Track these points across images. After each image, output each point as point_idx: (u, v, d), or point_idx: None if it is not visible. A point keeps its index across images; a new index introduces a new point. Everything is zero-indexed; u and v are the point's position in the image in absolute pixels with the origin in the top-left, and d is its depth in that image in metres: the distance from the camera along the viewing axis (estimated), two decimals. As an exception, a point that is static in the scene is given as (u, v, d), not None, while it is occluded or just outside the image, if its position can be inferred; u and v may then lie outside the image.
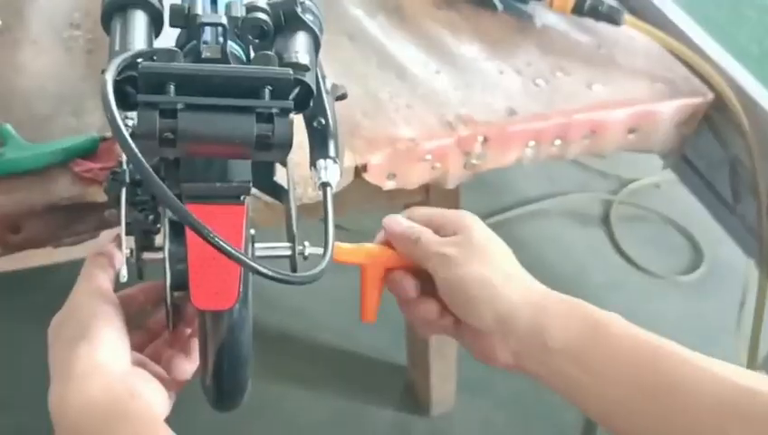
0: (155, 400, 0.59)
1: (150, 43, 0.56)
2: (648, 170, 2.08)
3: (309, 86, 0.53)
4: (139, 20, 0.56)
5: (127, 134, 0.47)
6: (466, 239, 0.66)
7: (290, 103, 0.50)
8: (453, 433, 1.63)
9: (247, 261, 0.49)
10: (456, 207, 1.41)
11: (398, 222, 0.69)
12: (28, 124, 0.82)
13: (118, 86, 0.50)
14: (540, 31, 1.04)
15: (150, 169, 0.47)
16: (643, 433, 0.60)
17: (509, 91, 0.95)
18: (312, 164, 0.60)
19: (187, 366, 0.64)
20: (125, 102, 0.51)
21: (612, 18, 1.01)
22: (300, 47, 0.56)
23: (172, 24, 0.55)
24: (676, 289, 1.88)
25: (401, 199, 1.21)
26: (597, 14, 1.02)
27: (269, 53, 0.53)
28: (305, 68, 0.54)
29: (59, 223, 0.78)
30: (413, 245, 0.67)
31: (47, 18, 0.94)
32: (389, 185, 0.89)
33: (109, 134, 0.82)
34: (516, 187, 2.06)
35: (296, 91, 0.53)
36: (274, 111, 0.50)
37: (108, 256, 0.64)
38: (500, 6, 1.04)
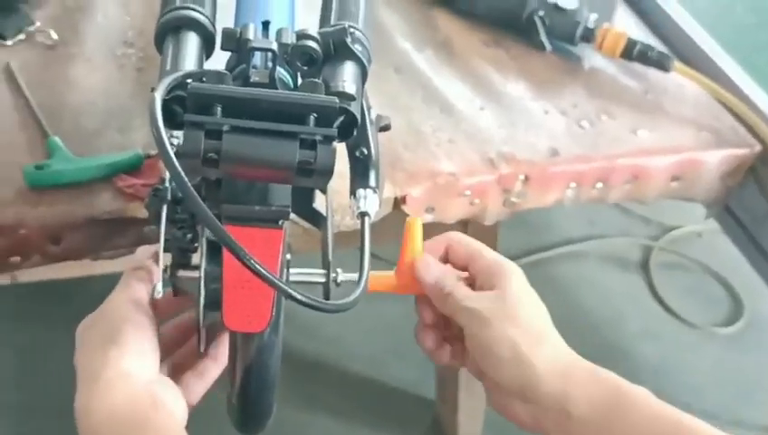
0: (176, 408, 0.59)
1: (201, 64, 0.56)
2: (691, 218, 2.05)
3: (353, 115, 0.54)
4: (192, 42, 0.57)
5: (171, 151, 0.47)
6: (500, 295, 0.64)
7: (333, 131, 0.51)
8: (477, 472, 1.61)
9: (281, 285, 0.49)
10: (494, 244, 1.41)
11: (430, 270, 0.67)
12: (76, 138, 0.83)
13: (166, 105, 0.51)
14: (587, 73, 1.04)
15: (191, 188, 0.47)
16: None
17: (553, 131, 0.94)
18: (352, 193, 0.60)
19: (200, 387, 0.64)
20: (172, 121, 0.52)
21: (662, 64, 1.01)
22: (347, 76, 0.56)
23: (223, 48, 0.56)
24: (714, 341, 1.84)
25: (438, 233, 1.21)
26: (646, 59, 1.01)
27: (316, 80, 0.53)
28: (351, 97, 0.54)
29: (99, 236, 0.79)
30: (443, 299, 0.66)
31: (102, 35, 0.96)
32: (427, 218, 0.89)
33: (153, 151, 0.83)
34: (556, 227, 2.04)
35: (341, 119, 0.53)
36: (318, 138, 0.50)
37: (146, 271, 0.64)
38: (548, 47, 1.04)
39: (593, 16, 1.03)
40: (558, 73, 1.03)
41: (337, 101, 0.52)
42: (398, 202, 0.87)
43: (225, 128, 0.50)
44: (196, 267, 0.64)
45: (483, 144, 0.92)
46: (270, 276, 0.48)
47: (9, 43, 0.92)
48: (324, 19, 0.61)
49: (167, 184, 0.64)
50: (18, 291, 1.69)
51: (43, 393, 1.55)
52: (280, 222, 0.56)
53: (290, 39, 0.56)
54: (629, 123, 0.97)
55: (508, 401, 0.64)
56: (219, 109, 0.50)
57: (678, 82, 1.03)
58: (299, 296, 0.49)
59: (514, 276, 0.66)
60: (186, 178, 0.47)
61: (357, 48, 0.58)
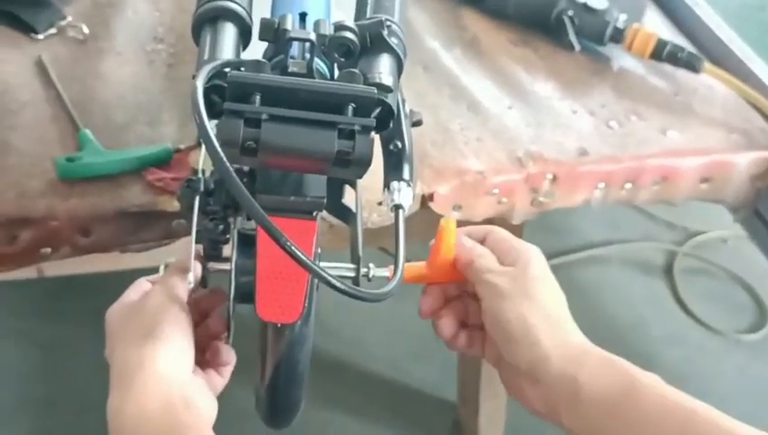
0: (207, 409, 0.59)
1: (238, 54, 0.57)
2: (716, 224, 2.04)
3: (390, 107, 0.54)
4: (229, 32, 0.58)
5: (214, 137, 0.47)
6: (521, 273, 0.65)
7: (372, 121, 0.51)
8: (498, 475, 1.60)
9: (321, 272, 0.49)
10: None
11: (464, 239, 0.68)
12: (105, 131, 0.84)
13: (204, 94, 0.51)
14: (616, 73, 1.03)
15: (234, 174, 0.47)
16: None
17: (581, 131, 0.94)
18: (386, 186, 0.60)
19: (218, 382, 0.64)
20: (210, 110, 0.52)
21: (692, 65, 1.00)
22: (383, 68, 0.56)
23: (261, 38, 0.56)
24: (737, 348, 1.83)
25: (463, 233, 1.20)
26: (676, 60, 1.01)
27: (354, 70, 0.54)
28: (388, 89, 0.54)
29: (128, 229, 0.79)
30: (467, 265, 0.66)
31: (133, 31, 0.97)
32: (455, 216, 0.89)
33: (182, 146, 0.83)
34: (580, 230, 2.03)
35: (377, 110, 0.53)
36: (356, 128, 0.50)
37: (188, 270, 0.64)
38: (577, 47, 1.04)
39: (623, 17, 1.03)
40: (586, 73, 1.03)
41: (375, 91, 0.52)
42: (426, 199, 0.86)
43: (264, 116, 0.50)
44: (227, 259, 0.64)
45: (510, 143, 0.91)
46: (310, 263, 0.48)
47: (41, 36, 0.93)
48: (360, 12, 0.61)
49: (200, 175, 0.64)
50: (42, 287, 1.71)
51: (67, 389, 1.57)
52: (314, 213, 0.56)
53: (327, 30, 0.56)
54: (659, 124, 0.96)
55: (521, 384, 0.64)
56: (258, 97, 0.50)
57: (708, 83, 1.02)
58: (338, 284, 0.49)
59: (537, 259, 0.66)
60: (228, 164, 0.47)
61: (393, 41, 0.58)
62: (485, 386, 1.53)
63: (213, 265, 0.65)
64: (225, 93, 0.52)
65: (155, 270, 0.67)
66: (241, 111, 0.50)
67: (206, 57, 0.56)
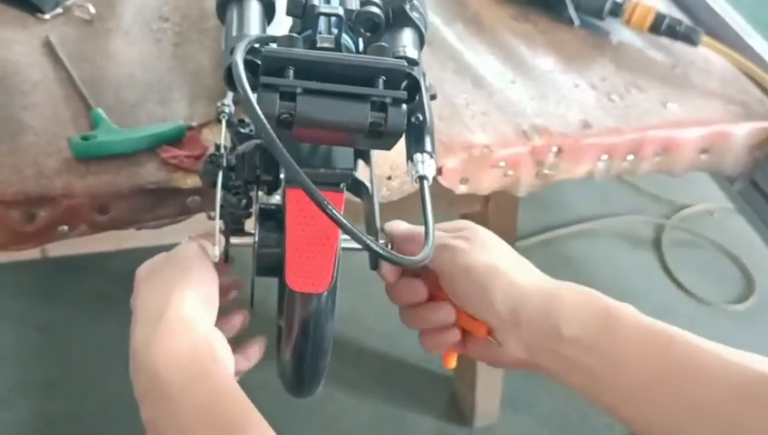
0: (227, 359, 0.60)
1: (264, 30, 0.58)
2: (702, 197, 2.07)
3: (417, 80, 0.55)
4: (254, 8, 0.58)
5: (259, 110, 0.49)
6: (472, 234, 0.67)
7: (404, 94, 0.52)
8: (494, 447, 1.63)
9: (363, 238, 0.50)
10: (514, 219, 1.43)
11: (400, 224, 0.70)
12: (117, 110, 0.84)
13: (232, 69, 0.52)
14: (615, 47, 1.05)
15: (280, 144, 0.49)
16: (655, 422, 0.59)
17: (584, 104, 0.96)
18: (410, 157, 0.61)
19: (242, 365, 0.66)
20: (236, 85, 0.53)
21: (690, 38, 1.02)
22: (407, 42, 0.57)
23: (289, 13, 0.57)
24: (727, 317, 1.86)
25: (460, 208, 1.22)
26: (674, 33, 1.02)
27: (384, 44, 0.55)
28: (414, 62, 0.56)
29: (144, 206, 0.80)
30: (418, 242, 0.67)
31: (138, 10, 0.97)
32: (462, 189, 0.90)
33: (194, 123, 0.84)
34: (569, 204, 2.06)
35: (404, 83, 0.55)
36: (388, 100, 0.52)
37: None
38: (576, 21, 1.05)
39: (622, -9, 1.04)
40: (586, 47, 1.04)
41: (406, 64, 0.53)
42: (439, 172, 0.88)
43: (299, 90, 0.51)
44: (248, 234, 0.66)
45: (515, 116, 0.93)
46: (353, 228, 0.50)
47: (47, 17, 0.93)
48: None
49: (222, 151, 0.65)
50: (39, 269, 1.71)
51: (66, 371, 1.57)
52: (341, 185, 0.58)
53: (354, 5, 0.57)
54: (659, 96, 0.98)
55: (504, 339, 0.64)
56: (292, 71, 0.51)
57: (705, 55, 1.04)
58: (378, 248, 0.50)
59: (478, 226, 0.69)
60: (274, 134, 0.48)
61: (415, 15, 0.59)
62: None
63: (234, 240, 0.66)
64: (258, 68, 0.53)
65: (158, 249, 0.67)
66: (276, 84, 0.51)
67: (234, 34, 0.57)
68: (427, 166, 0.60)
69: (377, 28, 0.57)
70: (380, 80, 0.52)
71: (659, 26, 1.03)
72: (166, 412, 0.56)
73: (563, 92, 0.97)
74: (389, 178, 0.86)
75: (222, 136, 0.67)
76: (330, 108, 0.52)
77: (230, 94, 0.79)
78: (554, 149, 0.91)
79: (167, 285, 0.60)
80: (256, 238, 0.63)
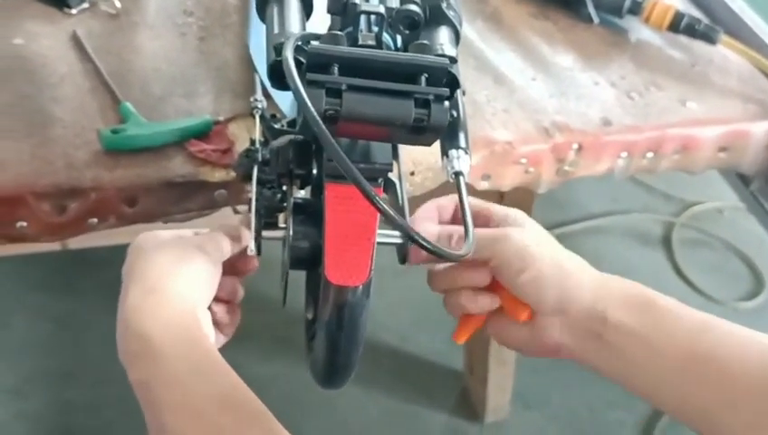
0: (212, 338, 0.63)
1: (304, 27, 0.59)
2: (712, 195, 2.08)
3: (456, 77, 0.56)
4: (293, 5, 0.59)
5: (312, 108, 0.50)
6: (523, 220, 0.69)
7: (446, 91, 0.53)
8: (505, 442, 1.64)
9: (411, 232, 0.51)
10: (529, 213, 1.44)
11: (428, 227, 0.70)
12: (144, 103, 0.85)
13: (276, 66, 0.53)
14: (634, 45, 1.05)
15: (332, 138, 0.50)
16: (692, 405, 0.61)
17: (604, 102, 0.96)
18: (444, 154, 0.62)
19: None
20: (279, 82, 0.54)
21: (709, 37, 1.03)
22: (444, 40, 0.58)
23: (330, 11, 0.58)
24: (735, 315, 1.87)
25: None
26: (693, 32, 1.03)
27: (425, 42, 0.56)
28: (454, 60, 0.57)
29: (171, 199, 0.81)
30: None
31: (162, 5, 0.98)
32: (483, 185, 0.91)
33: (221, 118, 0.85)
34: (579, 202, 2.07)
35: (445, 81, 0.56)
36: (431, 97, 0.53)
37: (237, 230, 0.67)
38: (596, 19, 1.06)
39: (641, -11, 1.05)
40: (605, 46, 1.05)
41: (448, 61, 0.54)
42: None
43: (344, 86, 0.52)
44: (280, 228, 0.67)
45: (536, 113, 0.94)
46: (402, 222, 0.51)
47: (74, 11, 0.94)
48: None
49: (257, 145, 0.66)
50: (52, 261, 1.72)
51: (82, 361, 1.59)
52: (379, 180, 0.59)
53: (394, 3, 0.58)
54: (678, 95, 0.99)
55: (547, 324, 0.66)
56: (336, 68, 0.52)
57: (723, 54, 1.05)
58: (425, 243, 0.51)
59: (528, 218, 0.70)
60: (326, 130, 0.49)
61: (451, 13, 0.60)
62: (494, 354, 1.56)
63: (266, 233, 0.67)
64: (302, 65, 0.54)
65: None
66: (322, 81, 0.52)
67: (276, 31, 0.58)
68: (462, 162, 0.61)
69: (416, 26, 0.58)
70: (423, 77, 0.53)
71: (678, 25, 1.03)
72: (158, 372, 0.58)
73: (583, 90, 0.98)
74: (412, 173, 0.87)
75: (257, 131, 0.68)
76: (374, 104, 0.53)
77: (260, 89, 0.80)
78: (575, 146, 0.92)
79: (169, 262, 0.62)
80: (290, 232, 0.64)
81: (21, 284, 1.70)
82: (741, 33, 1.07)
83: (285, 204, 0.66)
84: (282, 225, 0.68)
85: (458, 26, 0.61)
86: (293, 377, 1.54)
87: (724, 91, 1.00)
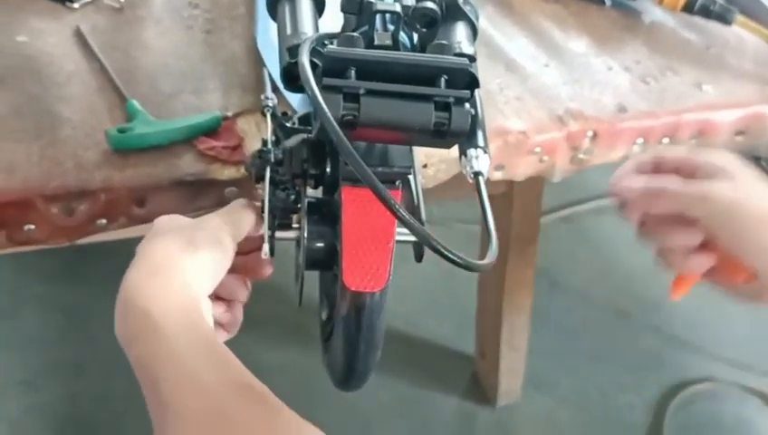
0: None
1: (317, 26, 0.57)
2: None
3: (475, 77, 0.54)
4: (305, 4, 0.58)
5: (330, 114, 0.48)
6: (734, 170, 0.64)
7: (467, 93, 0.52)
8: (516, 426, 1.64)
9: (431, 240, 0.50)
10: (539, 200, 1.42)
11: (631, 185, 0.67)
12: (152, 100, 0.84)
13: (290, 68, 0.52)
14: (648, 28, 1.04)
15: (350, 145, 0.48)
16: None
17: (618, 88, 0.95)
18: (463, 153, 0.61)
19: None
20: (293, 84, 0.53)
21: (724, 18, 1.01)
22: (461, 37, 0.57)
23: (345, 11, 0.57)
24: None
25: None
26: (708, 12, 1.01)
27: (444, 42, 0.54)
28: (472, 58, 0.55)
29: (181, 198, 0.80)
30: (673, 198, 0.64)
31: (167, -2, 0.96)
32: (497, 176, 0.90)
33: (230, 113, 0.84)
34: (587, 181, 2.04)
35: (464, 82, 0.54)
36: (451, 99, 0.51)
37: (254, 211, 0.66)
38: (607, 2, 1.04)
39: (652, -30, 1.03)
40: (618, 29, 1.03)
41: (468, 62, 0.52)
42: (470, 159, 0.87)
43: (362, 91, 0.51)
44: (293, 228, 0.65)
45: (550, 101, 0.92)
46: (422, 230, 0.49)
47: (77, 6, 0.93)
48: None
49: (270, 146, 0.65)
50: (60, 252, 1.71)
51: (93, 353, 1.58)
52: (397, 182, 0.57)
53: (410, 1, 0.56)
54: (693, 78, 0.97)
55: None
56: (353, 72, 0.51)
57: (738, 34, 1.03)
58: (447, 253, 0.50)
59: (738, 161, 0.66)
60: (345, 138, 0.48)
61: (467, 8, 0.58)
62: (506, 339, 1.56)
63: (279, 234, 0.66)
64: (316, 67, 0.52)
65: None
66: (339, 85, 0.51)
67: (289, 32, 0.56)
68: (481, 161, 0.59)
69: (433, 24, 0.57)
70: (442, 79, 0.52)
71: (693, 6, 1.01)
72: (160, 349, 0.56)
73: (597, 76, 0.96)
74: (425, 166, 0.85)
75: (268, 131, 0.66)
76: (393, 109, 0.51)
77: (269, 85, 0.78)
78: (590, 133, 0.90)
79: (176, 247, 0.60)
80: (305, 233, 0.62)
81: (29, 276, 1.69)
82: (756, 12, 1.05)
83: (299, 204, 0.65)
84: (295, 225, 0.66)
85: (475, 22, 0.59)
86: (304, 364, 1.53)
87: (740, 73, 0.99)
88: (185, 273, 0.60)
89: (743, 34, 1.03)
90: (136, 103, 0.82)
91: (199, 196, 0.80)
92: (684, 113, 0.93)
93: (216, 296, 0.65)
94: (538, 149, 0.89)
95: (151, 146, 0.79)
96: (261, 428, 0.53)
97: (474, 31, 0.59)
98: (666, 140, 0.93)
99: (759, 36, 1.02)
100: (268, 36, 0.88)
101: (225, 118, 0.83)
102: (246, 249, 0.67)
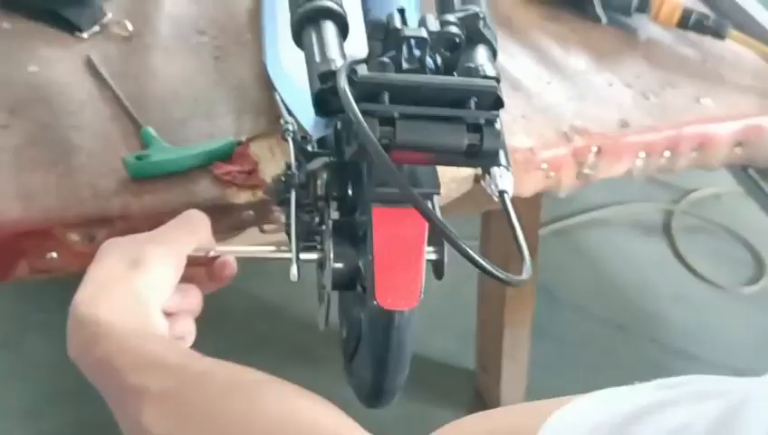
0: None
1: (344, 52, 0.58)
2: (709, 181, 2.09)
3: (500, 98, 0.56)
4: (331, 31, 0.59)
5: (375, 138, 0.50)
6: None
7: (496, 114, 0.53)
8: (519, 438, 1.64)
9: (476, 257, 0.51)
10: (537, 214, 1.44)
11: None
12: (165, 127, 0.85)
13: (323, 94, 0.53)
14: (645, 44, 1.06)
15: (393, 165, 0.49)
16: None
17: (620, 103, 0.97)
18: (486, 172, 0.62)
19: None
20: (325, 109, 0.54)
21: (717, 32, 1.03)
22: (483, 60, 0.58)
23: (371, 38, 0.58)
24: (740, 300, 1.89)
25: (484, 205, 1.23)
26: (702, 27, 1.04)
27: (472, 65, 0.56)
28: (497, 80, 0.57)
29: (199, 223, 0.80)
30: None
31: (174, 24, 0.97)
32: (504, 192, 0.91)
33: (243, 138, 0.85)
34: (579, 195, 2.06)
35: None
36: (482, 120, 0.53)
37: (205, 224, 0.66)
38: (603, 19, 1.06)
39: (646, -13, 1.06)
40: (616, 45, 1.05)
41: (496, 85, 0.54)
42: (478, 178, 0.88)
43: (396, 114, 0.52)
44: (317, 250, 0.66)
45: (555, 119, 0.94)
46: (464, 247, 0.50)
47: (85, 35, 0.94)
48: (446, 4, 0.63)
49: (293, 170, 0.66)
50: (62, 279, 1.71)
51: (81, 382, 1.57)
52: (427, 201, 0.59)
53: (434, 26, 0.58)
54: (692, 92, 0.99)
55: None
56: (387, 96, 0.52)
57: (734, 49, 1.05)
58: (489, 267, 0.51)
59: None
60: (391, 162, 0.49)
61: (487, 32, 0.60)
62: (507, 352, 1.57)
63: (303, 256, 0.67)
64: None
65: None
66: (374, 110, 0.52)
67: (318, 60, 0.58)
68: (506, 180, 0.61)
69: (456, 47, 0.58)
70: (472, 100, 0.53)
71: (687, 21, 1.04)
72: (114, 346, 0.57)
73: (599, 92, 0.98)
74: (436, 184, 0.87)
75: (291, 155, 0.67)
76: (427, 131, 0.53)
77: (283, 109, 0.80)
78: (594, 149, 0.92)
79: (124, 263, 0.60)
80: (330, 254, 0.63)
81: (32, 304, 1.69)
82: (748, 26, 1.07)
83: (323, 226, 0.66)
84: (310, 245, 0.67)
85: (495, 44, 0.61)
86: (306, 384, 1.53)
87: (737, 86, 1.01)
88: (132, 287, 0.60)
89: (738, 49, 1.05)
90: (151, 130, 0.83)
91: (216, 220, 0.80)
92: (684, 127, 0.95)
93: (167, 310, 0.64)
94: (544, 166, 0.91)
95: (168, 173, 0.80)
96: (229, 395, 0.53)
97: (494, 53, 0.61)
98: (667, 154, 0.95)
99: (752, 50, 1.04)
100: (277, 61, 0.89)
101: (239, 143, 0.84)
102: (199, 261, 0.66)
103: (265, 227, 0.84)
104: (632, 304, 1.86)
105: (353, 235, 0.65)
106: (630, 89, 0.99)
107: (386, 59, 0.55)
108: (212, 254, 0.66)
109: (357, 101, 0.52)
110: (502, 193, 0.60)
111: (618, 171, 0.95)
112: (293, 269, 0.63)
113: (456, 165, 0.57)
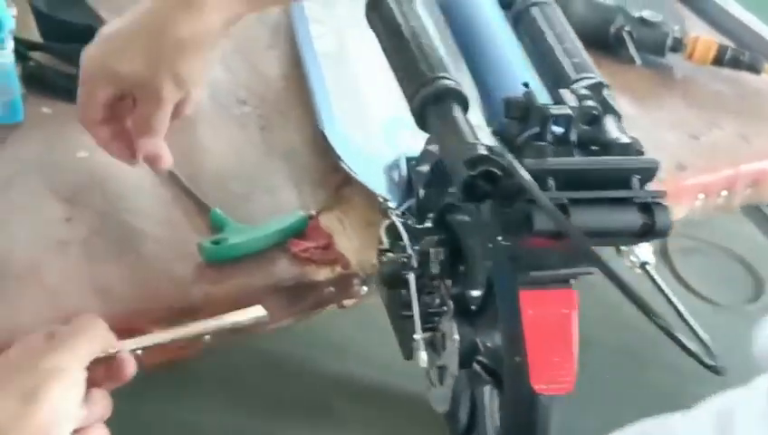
0: None
1: (474, 132, 0.56)
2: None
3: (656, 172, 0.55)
4: (457, 110, 0.57)
5: (560, 213, 0.48)
6: None
7: (664, 192, 0.52)
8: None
9: (678, 337, 0.49)
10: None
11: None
12: (228, 204, 0.82)
13: (472, 181, 0.51)
14: (681, 83, 1.06)
15: (597, 254, 0.48)
16: None
17: (672, 146, 0.97)
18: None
19: None
20: (474, 195, 0.52)
21: (754, 67, 1.04)
22: (615, 130, 0.57)
23: (508, 116, 0.56)
24: (743, 318, 1.89)
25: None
26: (738, 63, 1.04)
27: (627, 141, 0.55)
28: (642, 153, 0.56)
29: (281, 303, 0.77)
30: None
31: (212, 95, 0.94)
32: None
33: (313, 212, 0.82)
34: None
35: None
36: (650, 200, 0.52)
37: (104, 337, 0.60)
38: (638, 60, 1.06)
39: (677, 27, 1.06)
40: (653, 86, 1.05)
41: (657, 161, 0.53)
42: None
43: (565, 200, 0.50)
44: (434, 329, 0.64)
45: (613, 166, 0.93)
46: (664, 322, 0.49)
47: (129, 114, 0.90)
48: (558, 75, 0.62)
49: (409, 251, 0.64)
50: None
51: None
52: (570, 281, 0.57)
53: (573, 101, 0.56)
54: (738, 130, 1.00)
55: None
56: (552, 182, 0.50)
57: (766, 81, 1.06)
58: (688, 346, 0.49)
59: None
60: (590, 247, 0.47)
61: (612, 102, 0.59)
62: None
63: (418, 336, 0.64)
64: (494, 176, 0.51)
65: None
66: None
67: (456, 144, 0.56)
68: (645, 250, 0.59)
69: (596, 121, 0.57)
70: (635, 178, 0.52)
71: (722, 58, 1.04)
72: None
73: (649, 136, 0.96)
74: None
75: (404, 235, 0.65)
76: (601, 216, 0.51)
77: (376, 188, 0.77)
78: (656, 194, 0.91)
79: (16, 403, 0.53)
80: (455, 335, 0.62)
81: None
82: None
83: (443, 306, 0.64)
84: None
85: (619, 111, 0.60)
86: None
87: (778, 119, 1.02)
88: (32, 428, 0.52)
89: (769, 81, 1.06)
90: (220, 211, 0.80)
91: (298, 300, 0.79)
92: (739, 165, 0.95)
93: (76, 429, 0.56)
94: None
95: (245, 254, 0.77)
96: None
97: (619, 118, 0.60)
98: (724, 193, 0.95)
99: (788, 82, 1.05)
100: (336, 129, 0.87)
101: (311, 217, 0.81)
102: (100, 361, 0.59)
103: (344, 302, 0.81)
104: (636, 329, 1.84)
105: (466, 311, 0.64)
106: (677, 130, 0.99)
107: (543, 142, 0.53)
108: (111, 352, 0.60)
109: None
110: (643, 265, 0.59)
111: (678, 214, 0.95)
112: (423, 355, 0.61)
113: (624, 244, 0.55)
